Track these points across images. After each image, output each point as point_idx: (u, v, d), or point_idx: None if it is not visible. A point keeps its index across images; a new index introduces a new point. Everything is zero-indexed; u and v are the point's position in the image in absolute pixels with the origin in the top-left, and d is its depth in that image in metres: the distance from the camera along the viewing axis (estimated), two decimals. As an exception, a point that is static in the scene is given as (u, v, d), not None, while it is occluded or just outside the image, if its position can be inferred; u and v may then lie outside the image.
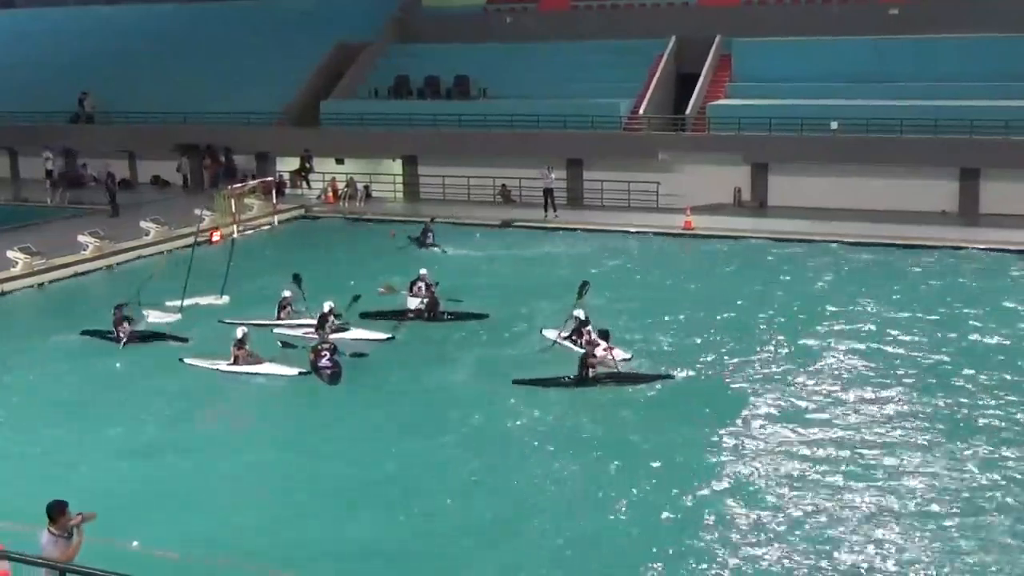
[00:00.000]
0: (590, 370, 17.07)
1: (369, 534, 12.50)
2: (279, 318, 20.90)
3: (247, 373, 18.22)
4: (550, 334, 19.53)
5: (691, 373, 17.80)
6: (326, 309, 19.98)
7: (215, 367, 18.43)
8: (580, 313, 19.20)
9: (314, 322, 19.91)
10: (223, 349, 18.60)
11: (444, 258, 26.83)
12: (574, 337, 19.00)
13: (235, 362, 18.33)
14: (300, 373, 18.05)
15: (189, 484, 13.83)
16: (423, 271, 22.55)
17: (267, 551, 11.90)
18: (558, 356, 18.57)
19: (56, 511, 8.94)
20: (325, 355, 17.86)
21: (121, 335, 19.77)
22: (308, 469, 14.45)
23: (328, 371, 17.74)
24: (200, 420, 16.69)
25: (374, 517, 12.90)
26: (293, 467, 14.55)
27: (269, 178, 33.74)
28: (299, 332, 20.13)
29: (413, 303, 21.78)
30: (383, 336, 20.15)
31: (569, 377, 17.25)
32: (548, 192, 31.74)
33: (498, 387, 17.20)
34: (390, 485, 13.82)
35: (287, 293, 21.16)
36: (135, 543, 8.79)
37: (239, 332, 18.51)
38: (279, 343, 19.75)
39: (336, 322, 19.99)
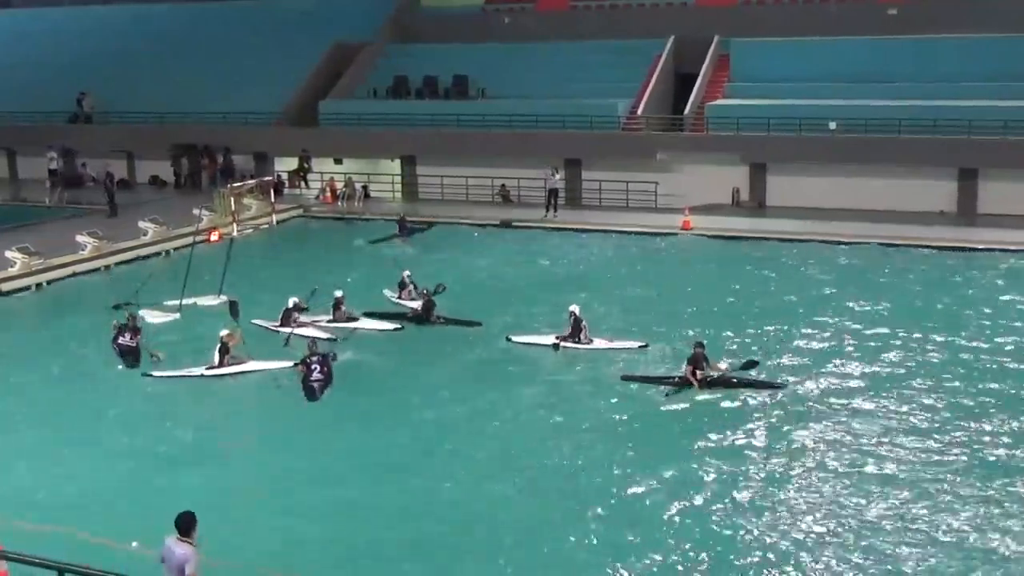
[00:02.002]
0: (697, 372, 16.90)
1: (370, 534, 12.49)
2: (334, 318, 20.76)
3: (235, 374, 17.94)
4: (530, 339, 19.43)
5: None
6: (291, 304, 20.21)
7: (195, 374, 17.94)
8: (575, 308, 19.25)
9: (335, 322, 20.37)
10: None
11: (445, 258, 26.77)
12: (573, 333, 19.02)
13: (220, 365, 17.95)
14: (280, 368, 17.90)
15: (187, 484, 13.76)
16: (406, 272, 22.70)
17: (268, 552, 11.89)
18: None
19: (192, 523, 8.40)
20: (316, 368, 17.06)
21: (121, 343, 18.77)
22: (307, 469, 14.40)
23: (317, 384, 16.97)
24: (197, 421, 16.60)
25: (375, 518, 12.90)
26: (292, 467, 14.52)
27: (268, 177, 33.72)
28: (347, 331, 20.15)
29: (412, 305, 21.74)
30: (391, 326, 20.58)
31: (679, 377, 17.08)
32: (553, 192, 31.77)
33: (500, 389, 17.30)
34: (391, 486, 13.82)
35: (339, 293, 21.09)
36: (134, 543, 8.79)
37: (223, 333, 18.27)
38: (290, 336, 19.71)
39: (299, 316, 20.17)
